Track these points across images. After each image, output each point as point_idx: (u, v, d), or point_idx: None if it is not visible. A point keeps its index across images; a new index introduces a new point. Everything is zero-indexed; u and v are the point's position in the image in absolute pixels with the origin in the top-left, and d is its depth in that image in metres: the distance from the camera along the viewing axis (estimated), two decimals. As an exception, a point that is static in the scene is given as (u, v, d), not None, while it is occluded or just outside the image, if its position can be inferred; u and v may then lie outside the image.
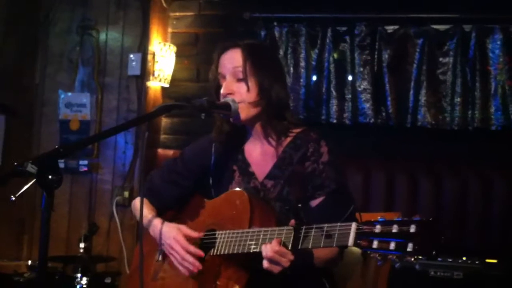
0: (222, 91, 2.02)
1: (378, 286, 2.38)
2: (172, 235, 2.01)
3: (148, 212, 2.12)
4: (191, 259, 1.96)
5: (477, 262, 3.21)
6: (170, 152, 4.16)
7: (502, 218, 3.71)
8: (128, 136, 4.12)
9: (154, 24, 4.17)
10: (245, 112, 2.00)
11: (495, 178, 3.74)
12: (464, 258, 3.22)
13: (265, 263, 1.76)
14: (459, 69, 3.74)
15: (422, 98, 3.81)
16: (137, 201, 2.19)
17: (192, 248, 1.96)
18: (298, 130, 2.06)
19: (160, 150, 4.25)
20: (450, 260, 3.21)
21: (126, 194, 4.06)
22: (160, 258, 2.12)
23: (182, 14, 4.30)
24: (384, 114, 3.87)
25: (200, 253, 1.96)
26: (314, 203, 1.96)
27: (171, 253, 2.01)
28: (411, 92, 3.81)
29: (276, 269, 1.75)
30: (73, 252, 3.82)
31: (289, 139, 2.05)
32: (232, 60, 2.02)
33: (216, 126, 2.12)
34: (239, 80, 2.01)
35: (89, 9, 4.26)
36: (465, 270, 3.16)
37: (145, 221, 2.10)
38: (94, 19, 4.25)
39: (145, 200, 2.11)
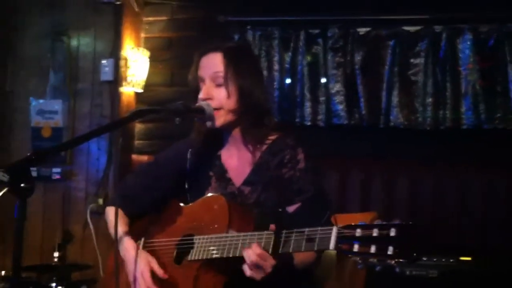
0: (200, 95, 1.99)
1: (355, 285, 2.40)
2: (140, 268, 1.99)
3: (120, 228, 2.08)
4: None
5: (451, 260, 3.24)
6: (144, 158, 4.13)
7: (477, 216, 3.76)
8: (101, 142, 4.08)
9: (127, 29, 4.14)
10: (223, 118, 1.98)
11: (470, 176, 3.80)
12: (438, 257, 3.25)
13: (248, 270, 1.74)
14: (431, 69, 3.79)
15: (395, 99, 3.84)
16: (110, 212, 2.15)
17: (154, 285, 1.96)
18: (274, 136, 2.05)
19: (134, 156, 4.22)
20: (425, 259, 3.24)
21: (100, 201, 4.02)
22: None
23: (155, 18, 4.28)
24: (357, 115, 3.90)
25: (164, 276, 1.95)
26: (291, 209, 1.96)
27: (139, 282, 1.98)
28: (384, 93, 3.85)
29: (259, 275, 1.74)
30: (47, 261, 3.76)
31: (266, 145, 2.04)
32: (213, 64, 1.99)
33: (195, 128, 2.10)
34: (218, 85, 1.98)
35: (61, 14, 4.21)
36: (440, 268, 3.19)
37: (118, 234, 2.05)
38: (65, 24, 4.21)
39: (119, 211, 2.08)
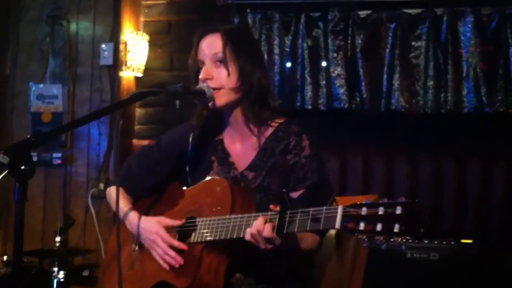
0: (200, 76, 1.98)
1: (356, 271, 2.40)
2: (154, 230, 1.98)
3: (124, 205, 2.09)
4: (173, 253, 1.94)
5: (452, 243, 3.25)
6: (145, 142, 4.09)
7: (477, 200, 3.77)
8: (102, 127, 4.08)
9: (126, 13, 4.12)
10: (225, 97, 1.97)
11: (470, 160, 3.80)
12: (440, 240, 3.26)
13: (249, 235, 1.75)
14: (432, 52, 3.77)
15: (396, 83, 3.83)
16: (112, 191, 2.16)
17: (176, 243, 1.95)
18: (279, 120, 2.04)
19: (135, 141, 4.21)
20: (426, 241, 3.24)
21: (101, 186, 4.02)
22: (136, 248, 2.10)
23: (154, 2, 4.25)
24: (358, 99, 3.89)
25: (184, 246, 1.94)
26: (294, 195, 1.96)
27: (153, 247, 1.98)
28: (385, 76, 3.84)
29: (259, 244, 1.75)
30: (49, 246, 3.78)
31: (270, 130, 2.03)
32: (212, 45, 1.99)
33: (196, 112, 2.09)
34: (218, 65, 1.98)
35: (60, -2, 4.20)
36: (441, 251, 3.20)
37: (120, 213, 2.06)
38: (64, 8, 4.18)
39: (121, 190, 2.08)
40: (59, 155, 4.12)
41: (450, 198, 3.80)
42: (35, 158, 3.97)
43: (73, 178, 4.13)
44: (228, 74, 1.97)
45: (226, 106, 2.01)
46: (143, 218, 2.04)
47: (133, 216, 2.06)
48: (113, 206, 2.00)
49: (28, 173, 1.46)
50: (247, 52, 2.00)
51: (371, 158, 3.92)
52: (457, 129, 3.79)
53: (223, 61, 1.97)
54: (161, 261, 1.97)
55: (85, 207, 4.02)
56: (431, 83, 3.77)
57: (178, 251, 1.95)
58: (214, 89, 1.97)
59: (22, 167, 1.46)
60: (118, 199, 1.90)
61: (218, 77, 1.97)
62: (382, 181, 3.88)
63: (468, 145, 3.79)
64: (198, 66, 2.02)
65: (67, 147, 4.13)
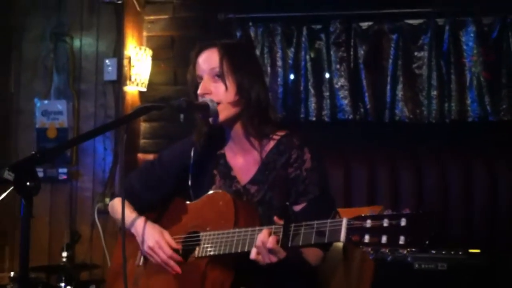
0: (199, 91, 1.98)
1: (363, 282, 2.39)
2: (155, 238, 1.99)
3: (129, 211, 2.09)
4: (171, 263, 1.96)
5: (460, 253, 3.23)
6: (150, 156, 4.12)
7: (484, 207, 3.75)
8: (107, 142, 4.09)
9: (129, 28, 4.14)
10: (224, 112, 1.96)
11: (477, 168, 3.78)
12: (447, 250, 3.25)
13: (254, 254, 1.75)
14: (434, 62, 3.78)
15: (399, 93, 3.84)
16: (115, 202, 2.16)
17: (174, 255, 1.95)
18: (281, 133, 2.03)
19: (140, 155, 4.22)
20: (434, 252, 3.23)
21: (107, 200, 4.01)
22: (140, 263, 2.10)
23: (156, 17, 4.27)
24: (362, 110, 3.89)
25: (180, 259, 1.95)
26: (296, 208, 1.95)
27: (151, 255, 1.99)
28: (388, 87, 3.84)
29: (264, 261, 1.74)
30: (56, 261, 3.77)
31: (272, 143, 2.02)
32: (209, 60, 1.99)
33: (197, 128, 2.09)
34: (216, 79, 1.97)
35: (63, 15, 4.21)
36: (449, 261, 3.19)
37: (127, 219, 2.06)
38: (67, 25, 4.21)
39: (126, 200, 2.09)
40: (65, 170, 4.13)
41: (456, 207, 3.78)
42: (40, 174, 4.00)
43: (79, 194, 4.14)
44: (226, 88, 1.96)
45: (226, 121, 2.00)
46: (149, 223, 2.04)
47: (139, 220, 2.06)
48: (117, 217, 2.00)
49: (34, 189, 1.47)
50: (245, 66, 2.00)
51: (376, 168, 3.91)
52: (462, 138, 3.79)
53: (220, 76, 1.97)
54: (163, 265, 1.97)
55: (91, 222, 4.01)
56: (435, 93, 3.78)
57: (181, 267, 1.95)
58: None
59: (28, 183, 1.46)
60: (123, 209, 1.88)
61: (216, 91, 1.97)
62: (387, 191, 3.87)
63: (473, 154, 3.78)
64: (196, 81, 2.02)
65: (73, 162, 4.14)
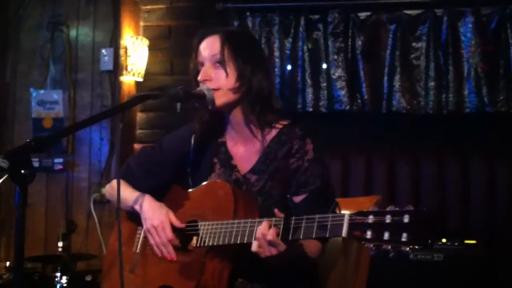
0: (199, 77, 1.98)
1: (360, 272, 2.39)
2: (161, 217, 1.96)
3: (131, 190, 2.08)
4: (170, 248, 1.94)
5: (456, 244, 3.24)
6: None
7: (481, 200, 3.75)
8: (103, 132, 4.08)
9: (126, 18, 4.12)
10: (223, 98, 1.96)
11: (474, 160, 3.78)
12: (444, 240, 3.25)
13: (256, 247, 1.74)
14: (432, 53, 3.76)
15: (397, 84, 3.82)
16: (114, 183, 2.12)
17: (175, 240, 1.94)
18: (283, 123, 2.02)
19: (136, 145, 4.21)
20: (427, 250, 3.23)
21: (103, 191, 4.01)
22: (138, 250, 2.09)
23: (153, 7, 4.25)
24: (359, 101, 3.88)
25: (179, 244, 1.94)
26: (297, 199, 1.94)
27: (152, 234, 1.97)
28: (385, 78, 3.83)
29: (264, 254, 1.73)
30: (52, 251, 3.77)
31: (274, 133, 2.01)
32: (211, 47, 1.98)
33: (197, 115, 2.09)
34: (217, 66, 1.97)
35: (59, 4, 4.20)
36: (445, 252, 3.19)
37: (130, 197, 2.05)
38: (64, 15, 4.19)
39: (124, 182, 2.08)
40: (61, 160, 4.12)
41: (454, 199, 3.78)
42: (36, 164, 3.99)
43: (75, 184, 4.13)
44: (227, 75, 1.95)
45: (225, 107, 1.99)
46: (156, 201, 2.02)
47: (147, 196, 2.03)
48: (115, 198, 1.95)
49: (28, 177, 1.45)
50: (247, 53, 1.99)
51: (373, 159, 3.91)
52: (460, 129, 3.78)
53: (221, 62, 1.96)
54: (155, 248, 1.96)
55: (88, 212, 4.02)
56: (432, 84, 3.76)
57: (180, 256, 1.94)
58: (213, 89, 1.96)
59: (22, 172, 1.45)
60: (119, 194, 1.85)
61: (216, 78, 1.96)
62: (384, 181, 3.86)
63: (471, 145, 3.78)
64: (197, 68, 2.02)
65: (69, 152, 4.13)
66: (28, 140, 1.50)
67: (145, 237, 2.04)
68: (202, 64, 2.00)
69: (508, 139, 3.71)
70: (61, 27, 4.19)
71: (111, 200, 2.19)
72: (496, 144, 3.74)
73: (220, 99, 1.96)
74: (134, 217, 2.09)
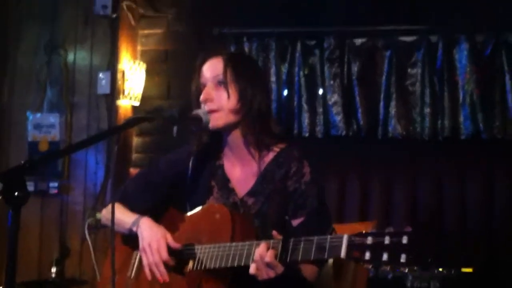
0: (201, 97, 1.99)
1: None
2: (158, 237, 1.95)
3: (129, 213, 2.07)
4: (162, 269, 1.93)
5: (453, 272, 3.21)
6: (142, 171, 4.11)
7: (477, 223, 3.74)
8: (99, 156, 4.06)
9: (123, 42, 4.14)
10: (224, 119, 1.97)
11: (470, 183, 3.77)
12: (440, 269, 3.23)
13: (254, 269, 1.73)
14: (428, 79, 3.78)
15: (392, 110, 3.83)
16: (110, 207, 2.12)
17: (170, 261, 1.93)
18: (281, 146, 2.04)
19: (132, 169, 4.20)
20: (426, 271, 3.21)
21: (98, 215, 3.98)
22: (133, 275, 2.07)
23: (151, 31, 4.28)
24: (355, 126, 3.89)
25: (173, 263, 1.93)
26: (295, 222, 1.94)
27: (147, 253, 1.95)
28: (381, 103, 3.84)
29: (263, 276, 1.73)
30: (45, 276, 3.73)
31: (271, 155, 2.02)
32: (214, 68, 2.01)
33: (195, 137, 2.09)
34: (219, 87, 1.98)
35: (57, 27, 4.21)
36: (442, 279, 3.17)
37: (128, 219, 2.04)
38: (61, 38, 4.20)
39: (121, 204, 2.08)
40: (56, 184, 4.09)
41: (450, 223, 3.77)
42: (31, 188, 3.97)
43: (70, 207, 4.10)
44: (228, 96, 1.97)
45: (225, 127, 2.01)
46: (155, 223, 2.01)
47: (145, 218, 2.03)
48: (114, 226, 1.96)
49: (22, 199, 1.44)
50: (249, 75, 2.02)
51: (369, 184, 3.90)
52: (456, 153, 3.78)
53: (223, 83, 1.98)
54: (146, 269, 1.95)
55: (82, 236, 3.98)
56: (428, 110, 3.78)
57: (175, 278, 1.92)
58: (213, 111, 1.97)
59: (16, 193, 1.44)
60: (113, 214, 1.85)
61: (218, 99, 1.98)
62: (381, 206, 3.86)
63: (466, 169, 3.78)
64: (199, 89, 2.03)
65: (64, 176, 4.11)
66: (22, 162, 1.49)
67: (141, 261, 2.03)
68: (204, 85, 2.02)
69: (503, 165, 3.72)
70: (59, 50, 4.19)
71: (107, 224, 2.18)
72: (492, 168, 3.75)
73: (221, 120, 1.98)
74: (130, 241, 2.07)
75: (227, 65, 1.99)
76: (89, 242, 3.89)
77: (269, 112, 2.04)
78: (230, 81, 1.98)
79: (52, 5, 4.22)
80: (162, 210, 2.12)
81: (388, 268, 1.53)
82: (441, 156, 3.81)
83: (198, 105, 2.01)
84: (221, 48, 2.10)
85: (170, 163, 2.16)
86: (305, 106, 3.93)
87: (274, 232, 1.76)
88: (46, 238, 4.09)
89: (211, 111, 1.97)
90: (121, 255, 2.07)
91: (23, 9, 4.27)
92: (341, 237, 1.61)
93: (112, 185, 3.94)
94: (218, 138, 2.08)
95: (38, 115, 4.18)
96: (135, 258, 2.08)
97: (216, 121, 1.97)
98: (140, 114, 4.14)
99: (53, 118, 4.15)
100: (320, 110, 3.93)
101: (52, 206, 4.11)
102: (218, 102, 1.97)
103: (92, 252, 3.89)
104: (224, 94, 1.97)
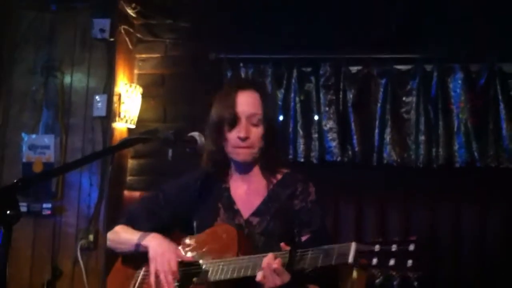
0: (241, 133, 2.04)
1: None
2: (170, 249, 2.02)
3: (136, 231, 2.12)
4: (170, 278, 1.96)
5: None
6: (136, 194, 4.10)
7: (472, 250, 3.73)
8: (93, 178, 4.05)
9: (120, 65, 4.17)
10: (254, 154, 2.08)
11: (464, 211, 3.78)
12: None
13: (260, 276, 1.79)
14: (422, 107, 3.81)
15: (387, 137, 3.86)
16: (117, 229, 2.17)
17: (177, 275, 1.97)
18: (285, 170, 2.15)
19: (126, 192, 4.19)
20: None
21: (91, 237, 3.97)
22: None
23: (148, 55, 4.31)
24: (350, 152, 3.91)
25: (177, 276, 1.97)
26: (301, 239, 2.02)
27: (157, 260, 1.99)
28: (376, 130, 3.87)
29: (269, 284, 1.78)
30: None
31: (279, 176, 2.13)
32: (253, 105, 2.08)
33: (203, 158, 2.14)
34: (254, 125, 2.06)
35: (54, 49, 4.23)
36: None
37: (135, 236, 2.09)
38: (58, 60, 4.22)
39: (126, 226, 2.13)
40: (49, 205, 4.07)
41: (445, 250, 3.76)
42: (24, 209, 3.94)
43: (62, 229, 4.07)
44: (262, 135, 2.07)
45: (251, 161, 2.11)
46: (165, 238, 2.07)
47: (156, 233, 2.09)
48: (120, 244, 2.02)
49: (14, 217, 1.44)
50: (275, 113, 2.14)
51: (363, 210, 3.90)
52: (450, 181, 3.79)
53: (260, 121, 2.07)
54: (152, 277, 1.97)
55: (74, 258, 3.95)
56: (423, 137, 3.80)
57: None
58: (248, 147, 2.05)
59: (8, 212, 1.44)
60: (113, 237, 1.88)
61: (254, 136, 2.06)
62: (375, 233, 3.85)
63: (461, 197, 3.78)
64: (231, 118, 2.06)
65: (58, 197, 4.09)
66: (15, 181, 1.50)
67: (143, 279, 2.05)
68: (239, 118, 2.06)
69: (497, 193, 3.73)
70: (55, 72, 4.21)
71: (113, 247, 2.18)
72: (486, 196, 3.75)
73: (252, 155, 2.08)
74: (132, 261, 2.09)
75: (264, 106, 2.07)
76: (81, 264, 3.87)
77: (283, 143, 2.16)
78: (264, 121, 2.07)
79: (50, 27, 4.25)
80: (168, 233, 2.15)
81: (394, 272, 1.59)
82: (435, 184, 3.82)
83: (220, 132, 2.06)
84: (253, 78, 2.21)
85: (178, 189, 2.21)
86: (300, 132, 3.95)
87: (282, 244, 1.83)
88: (38, 260, 4.05)
89: (245, 147, 2.05)
90: (121, 277, 2.07)
91: (21, 30, 4.30)
92: (349, 245, 1.68)
93: (105, 207, 3.93)
94: (225, 163, 2.15)
95: (33, 136, 4.18)
96: (138, 276, 2.09)
97: (247, 156, 2.07)
98: (135, 135, 4.15)
99: (48, 139, 4.15)
100: (316, 136, 3.94)
101: (44, 227, 4.08)
102: (254, 140, 2.06)
103: (84, 274, 3.86)
104: (259, 133, 2.06)
